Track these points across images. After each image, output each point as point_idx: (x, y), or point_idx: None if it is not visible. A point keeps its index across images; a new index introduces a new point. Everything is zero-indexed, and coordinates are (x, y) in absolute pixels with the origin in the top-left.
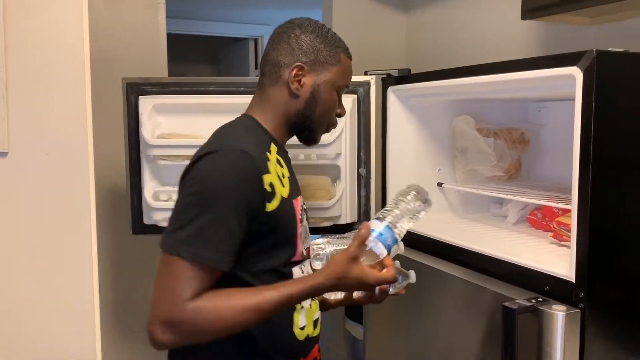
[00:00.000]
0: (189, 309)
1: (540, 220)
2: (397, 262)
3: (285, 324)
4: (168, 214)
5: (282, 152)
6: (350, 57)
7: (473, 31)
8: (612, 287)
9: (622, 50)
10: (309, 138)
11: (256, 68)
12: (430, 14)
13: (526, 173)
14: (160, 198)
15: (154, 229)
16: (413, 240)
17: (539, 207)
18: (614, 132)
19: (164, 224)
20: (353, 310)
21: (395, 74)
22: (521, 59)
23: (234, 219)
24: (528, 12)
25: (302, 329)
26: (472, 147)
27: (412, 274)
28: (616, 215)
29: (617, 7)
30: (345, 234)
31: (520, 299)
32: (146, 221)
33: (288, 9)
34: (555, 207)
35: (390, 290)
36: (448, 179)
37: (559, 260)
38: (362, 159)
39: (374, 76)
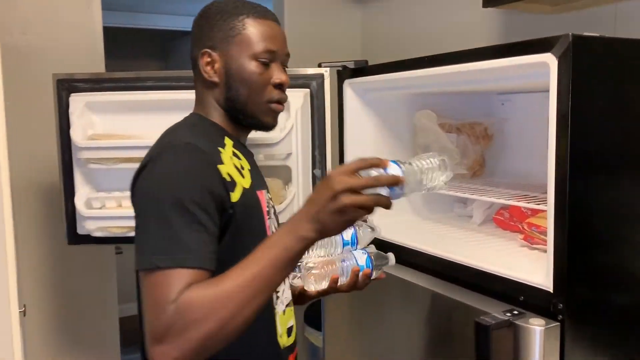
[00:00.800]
0: (172, 309)
1: (508, 220)
2: (372, 245)
3: (265, 334)
4: (102, 223)
5: (240, 145)
6: (265, 17)
7: (431, 21)
8: (592, 295)
9: (597, 35)
10: (256, 123)
11: None
12: (387, 3)
13: (490, 170)
14: (94, 205)
15: (90, 239)
16: (374, 245)
17: (506, 207)
18: (592, 125)
19: (99, 233)
20: (312, 317)
21: (351, 65)
22: (488, 46)
23: (201, 214)
24: (490, 0)
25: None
26: (435, 143)
27: (391, 256)
28: (596, 217)
29: None
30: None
31: (493, 311)
32: (79, 231)
33: None
34: (524, 207)
35: (373, 275)
36: None
37: (533, 267)
38: (317, 159)
39: (327, 68)
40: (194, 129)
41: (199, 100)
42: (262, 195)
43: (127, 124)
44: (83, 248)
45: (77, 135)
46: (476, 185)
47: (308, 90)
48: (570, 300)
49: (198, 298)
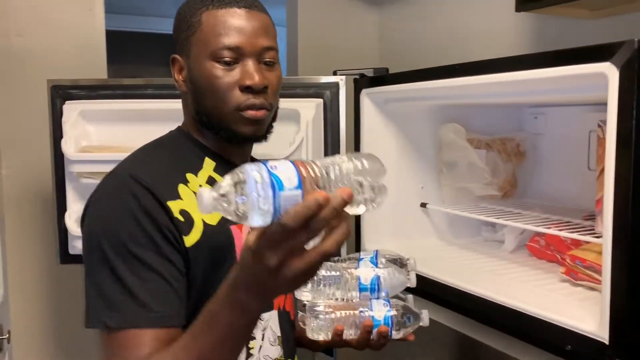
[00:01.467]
0: None
1: (544, 248)
2: (409, 296)
3: None
4: None
5: (228, 166)
6: (226, 5)
7: (455, 26)
8: None
9: None
10: (233, 135)
11: None
12: (407, 7)
13: (522, 190)
14: None
15: (81, 259)
16: None
17: (542, 233)
18: None
19: None
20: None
21: (370, 73)
22: (531, 54)
23: (152, 257)
24: (523, 4)
25: None
26: (462, 160)
27: (425, 314)
28: None
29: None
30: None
31: None
32: (71, 250)
33: None
34: (563, 237)
35: (394, 335)
36: (433, 198)
37: (582, 310)
38: None
39: (343, 77)
40: (162, 150)
41: (183, 113)
42: (240, 230)
43: (125, 135)
44: (75, 267)
45: (68, 146)
46: (507, 207)
47: (321, 100)
48: (632, 354)
49: None
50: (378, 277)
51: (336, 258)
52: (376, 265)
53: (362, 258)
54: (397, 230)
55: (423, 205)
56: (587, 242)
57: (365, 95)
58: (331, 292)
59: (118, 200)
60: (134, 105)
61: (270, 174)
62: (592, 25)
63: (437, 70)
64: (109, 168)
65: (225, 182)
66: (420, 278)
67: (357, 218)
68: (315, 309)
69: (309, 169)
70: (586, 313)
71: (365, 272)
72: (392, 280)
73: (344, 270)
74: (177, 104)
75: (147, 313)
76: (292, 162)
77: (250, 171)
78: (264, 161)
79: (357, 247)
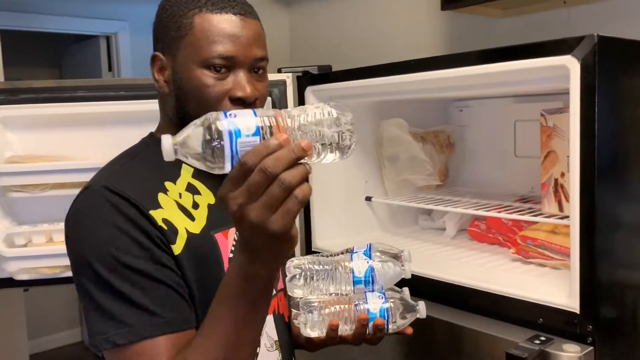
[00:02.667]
0: None
1: (485, 232)
2: (405, 289)
3: None
4: (28, 264)
5: (203, 175)
6: (222, 10)
7: (370, 24)
8: (619, 314)
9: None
10: None
11: (110, 70)
12: (318, 7)
13: (453, 179)
14: (16, 243)
15: (13, 283)
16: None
17: (481, 218)
18: (616, 131)
19: (25, 276)
20: None
21: (314, 71)
22: (494, 48)
23: (149, 265)
24: (448, 3)
25: None
26: (403, 153)
27: (422, 306)
28: (620, 228)
29: None
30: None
31: (509, 337)
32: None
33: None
34: (504, 219)
35: (390, 328)
36: (376, 192)
37: (547, 286)
38: None
39: (289, 74)
40: (133, 160)
41: (160, 115)
42: (227, 236)
43: (54, 142)
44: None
45: None
46: (444, 195)
47: (270, 98)
48: (600, 321)
49: None
50: (372, 269)
51: (327, 253)
52: (370, 257)
53: (356, 251)
54: (345, 225)
55: (368, 199)
56: (527, 222)
57: (310, 92)
58: (324, 287)
59: (98, 214)
60: (62, 110)
61: (229, 122)
62: (504, 23)
63: (381, 68)
64: (41, 179)
65: (186, 131)
66: None
67: (307, 215)
68: (309, 304)
69: (272, 119)
70: (552, 288)
71: (359, 264)
72: (387, 271)
73: (337, 264)
74: (112, 107)
75: (155, 320)
76: (254, 110)
77: (210, 118)
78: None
79: (308, 245)
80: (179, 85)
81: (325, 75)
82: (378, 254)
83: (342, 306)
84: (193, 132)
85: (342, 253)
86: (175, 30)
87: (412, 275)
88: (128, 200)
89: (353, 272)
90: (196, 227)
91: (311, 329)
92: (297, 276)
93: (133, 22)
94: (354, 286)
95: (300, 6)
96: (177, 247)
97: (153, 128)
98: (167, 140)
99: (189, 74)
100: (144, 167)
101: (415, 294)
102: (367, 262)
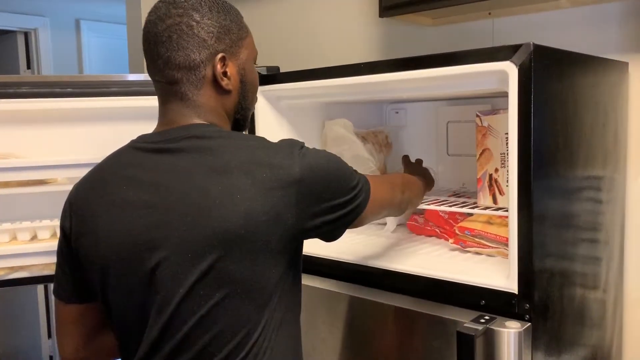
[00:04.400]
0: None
1: (423, 225)
2: None
3: None
4: None
5: None
6: None
7: (314, 29)
8: (551, 294)
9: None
10: (244, 129)
11: (28, 68)
12: (264, 9)
13: None
14: None
15: None
16: (309, 263)
17: (419, 212)
18: (549, 132)
19: None
20: None
21: (263, 72)
22: (438, 54)
23: None
24: (387, 10)
25: None
26: (348, 152)
27: None
28: (552, 218)
29: (462, 8)
30: None
31: (454, 318)
32: None
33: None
34: (441, 211)
35: None
36: None
37: (487, 271)
38: None
39: None
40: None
41: (206, 110)
42: None
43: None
44: None
45: None
46: None
47: None
48: (535, 300)
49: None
50: None
51: None
52: None
53: None
54: None
55: None
56: (462, 215)
57: (260, 93)
58: None
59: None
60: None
61: None
62: (433, 31)
63: (327, 71)
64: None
65: None
66: (336, 263)
67: None
68: None
69: None
70: (491, 273)
71: None
72: None
73: None
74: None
75: None
76: None
77: None
78: None
79: None
80: (244, 82)
81: (273, 76)
82: None
83: None
84: None
85: None
86: (238, 32)
87: (361, 266)
88: None
89: None
90: None
91: None
92: None
93: (54, 18)
94: None
95: (248, 7)
96: None
97: (102, 126)
98: None
99: (251, 71)
100: None
101: (366, 284)
102: None
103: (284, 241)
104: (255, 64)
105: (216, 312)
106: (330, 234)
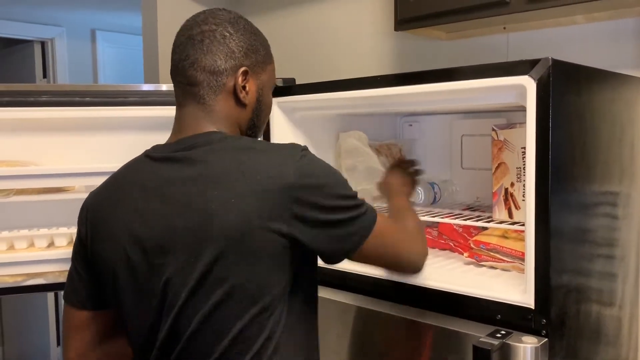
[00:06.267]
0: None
1: (437, 238)
2: None
3: None
4: None
5: None
6: None
7: (331, 42)
8: (567, 310)
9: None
10: None
11: (44, 77)
12: (282, 21)
13: None
14: None
15: None
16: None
17: (433, 225)
18: (566, 146)
19: None
20: None
21: (279, 83)
22: (459, 67)
23: None
24: (402, 24)
25: None
26: (361, 164)
27: None
28: (569, 233)
29: (477, 23)
30: None
31: (471, 332)
32: None
33: (92, 8)
34: (456, 225)
35: None
36: None
37: (503, 286)
38: None
39: None
40: None
41: (220, 117)
42: None
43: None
44: None
45: None
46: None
47: None
48: (552, 316)
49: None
50: None
51: None
52: None
53: None
54: None
55: None
56: (477, 229)
57: (275, 104)
58: None
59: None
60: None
61: None
62: (447, 46)
63: (343, 83)
64: (4, 185)
65: None
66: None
67: None
68: None
69: None
70: (507, 287)
71: None
72: None
73: None
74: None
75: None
76: None
77: None
78: None
79: None
80: (260, 101)
81: (289, 88)
82: None
83: None
84: None
85: None
86: (264, 55)
87: (374, 278)
88: None
89: None
90: None
91: None
92: None
93: (70, 28)
94: None
95: (267, 19)
96: None
97: (118, 135)
98: None
99: (269, 94)
100: None
101: (379, 296)
102: None
103: (283, 247)
104: (272, 92)
105: (219, 315)
106: (328, 254)
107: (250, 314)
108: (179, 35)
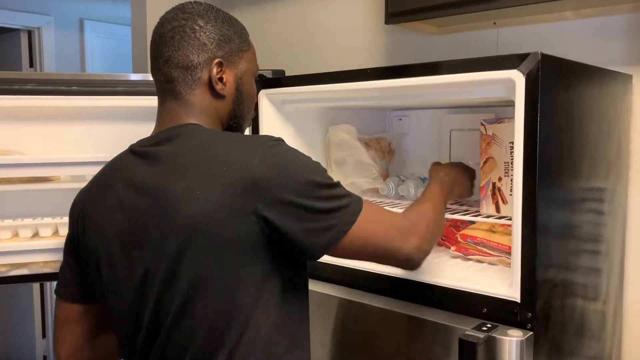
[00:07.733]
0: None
1: None
2: None
3: None
4: None
5: None
6: None
7: (320, 34)
8: (552, 304)
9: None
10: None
11: (31, 66)
12: (271, 12)
13: None
14: None
15: None
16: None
17: None
18: (554, 141)
19: None
20: None
21: (268, 75)
22: (448, 61)
23: None
24: (393, 17)
25: None
26: (351, 158)
27: None
28: (555, 228)
29: (467, 18)
30: None
31: (457, 326)
32: None
33: None
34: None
35: None
36: None
37: (490, 280)
38: None
39: None
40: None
41: (182, 114)
42: None
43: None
44: None
45: None
46: (384, 199)
47: None
48: (537, 309)
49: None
50: None
51: None
52: None
53: None
54: None
55: None
56: (464, 222)
57: (264, 96)
58: None
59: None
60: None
61: None
62: (437, 40)
63: (333, 76)
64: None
65: None
66: (333, 268)
67: None
68: None
69: None
70: (493, 281)
71: None
72: None
73: None
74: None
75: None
76: None
77: None
78: None
79: None
80: (240, 91)
81: (278, 80)
82: None
83: None
84: None
85: None
86: (240, 44)
87: (362, 271)
88: None
89: None
90: None
91: None
92: None
93: (58, 17)
94: None
95: (256, 12)
96: None
97: (105, 125)
98: None
99: (250, 83)
100: None
101: (366, 289)
102: None
103: (252, 238)
104: (255, 79)
105: (190, 309)
106: (303, 248)
107: (222, 308)
108: (154, 33)
